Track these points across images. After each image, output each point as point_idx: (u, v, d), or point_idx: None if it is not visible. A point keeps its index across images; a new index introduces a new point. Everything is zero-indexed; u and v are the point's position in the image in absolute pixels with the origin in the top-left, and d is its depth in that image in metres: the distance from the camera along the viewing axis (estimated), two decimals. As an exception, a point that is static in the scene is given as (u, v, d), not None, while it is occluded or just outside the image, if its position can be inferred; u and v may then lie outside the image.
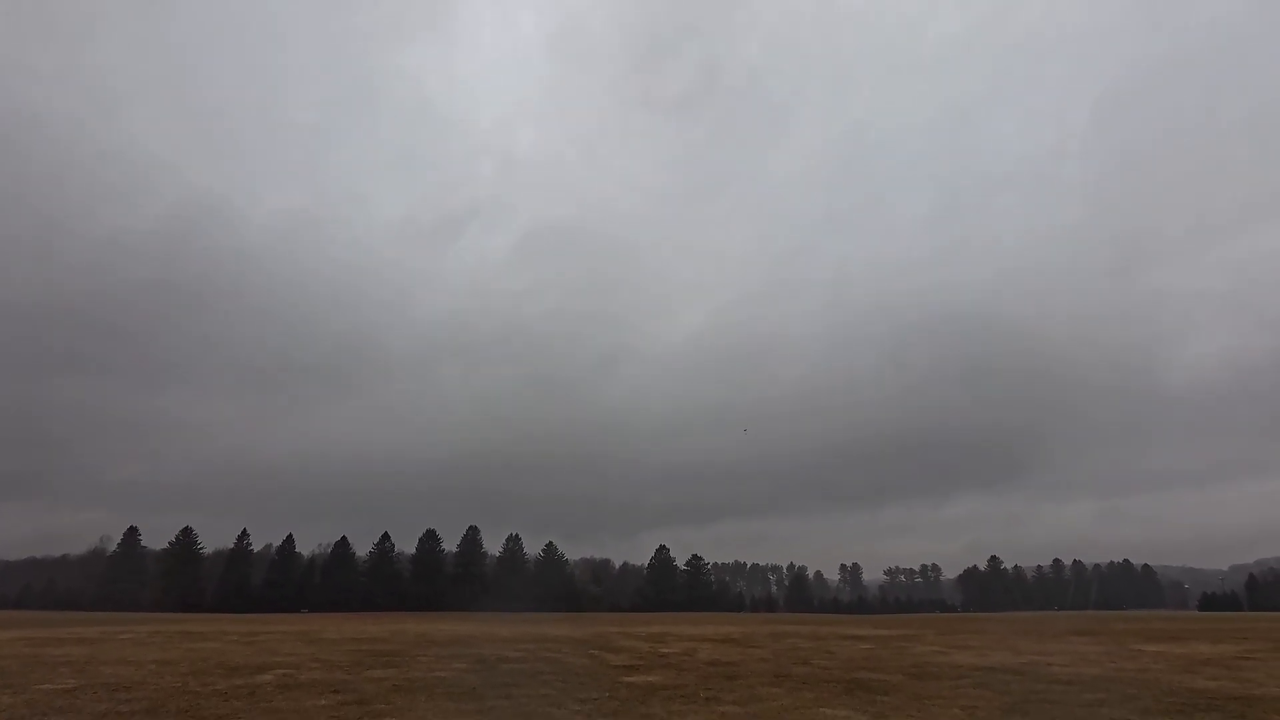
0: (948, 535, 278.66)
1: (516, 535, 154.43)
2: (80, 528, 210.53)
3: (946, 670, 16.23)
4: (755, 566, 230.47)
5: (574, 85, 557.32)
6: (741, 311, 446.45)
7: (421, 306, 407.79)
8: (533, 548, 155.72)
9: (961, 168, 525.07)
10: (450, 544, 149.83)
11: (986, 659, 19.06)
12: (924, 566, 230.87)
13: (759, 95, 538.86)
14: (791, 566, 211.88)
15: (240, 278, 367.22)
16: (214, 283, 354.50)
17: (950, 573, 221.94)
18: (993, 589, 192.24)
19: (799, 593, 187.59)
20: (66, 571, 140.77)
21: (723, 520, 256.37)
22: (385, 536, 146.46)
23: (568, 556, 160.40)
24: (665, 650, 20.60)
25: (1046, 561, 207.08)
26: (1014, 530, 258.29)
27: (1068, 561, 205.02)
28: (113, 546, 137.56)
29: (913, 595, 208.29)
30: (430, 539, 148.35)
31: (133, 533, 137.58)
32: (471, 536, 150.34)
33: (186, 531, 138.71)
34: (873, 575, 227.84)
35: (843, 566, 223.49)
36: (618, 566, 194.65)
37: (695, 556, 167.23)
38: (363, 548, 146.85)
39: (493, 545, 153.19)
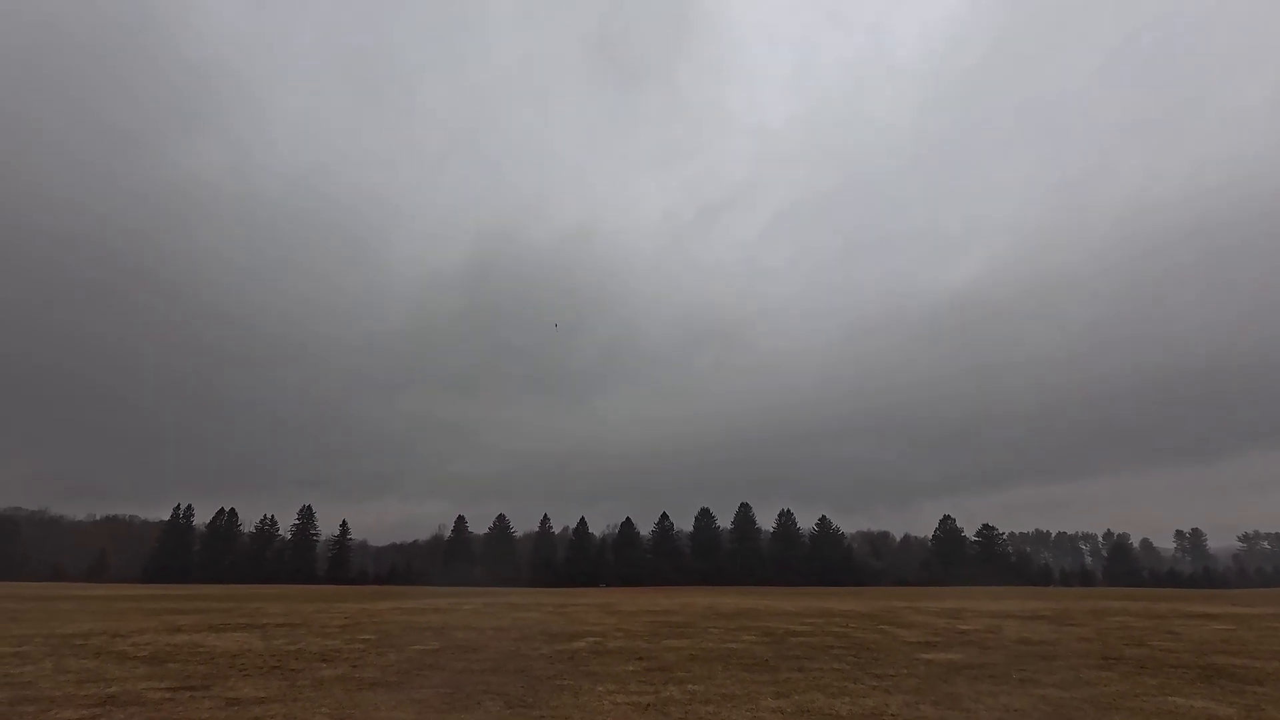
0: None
1: (788, 510, 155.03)
2: (426, 516, 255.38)
3: (1348, 658, 13.01)
4: (1062, 535, 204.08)
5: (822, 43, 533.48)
6: (1022, 251, 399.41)
7: (680, 294, 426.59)
8: (805, 522, 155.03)
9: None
10: (724, 521, 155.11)
11: None
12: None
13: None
14: (1109, 534, 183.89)
15: (525, 294, 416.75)
16: (507, 301, 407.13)
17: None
18: None
19: (1122, 564, 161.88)
20: (418, 554, 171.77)
21: (1015, 485, 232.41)
22: (664, 516, 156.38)
23: (843, 529, 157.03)
24: (964, 627, 19.19)
25: None
26: None
27: None
28: (448, 533, 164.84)
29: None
30: (705, 517, 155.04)
31: (461, 520, 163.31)
32: (744, 513, 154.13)
33: (501, 518, 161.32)
34: (1222, 542, 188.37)
35: (1179, 533, 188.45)
36: (898, 539, 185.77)
37: (987, 526, 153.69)
38: (645, 526, 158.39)
39: (765, 520, 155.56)
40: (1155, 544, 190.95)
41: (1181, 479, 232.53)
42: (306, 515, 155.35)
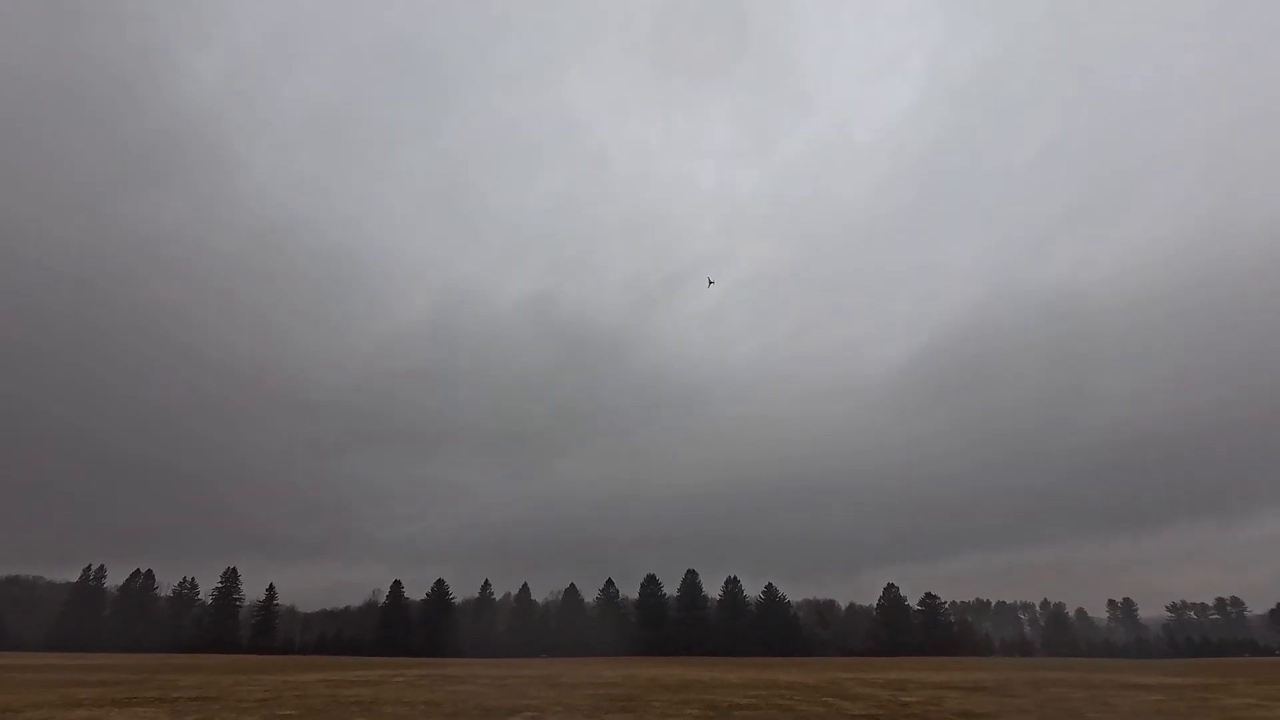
0: (1250, 560, 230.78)
1: (735, 578, 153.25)
2: (362, 581, 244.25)
3: (1270, 729, 13.39)
4: (1002, 605, 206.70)
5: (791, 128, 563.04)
6: (962, 328, 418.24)
7: (639, 360, 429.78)
8: (752, 589, 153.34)
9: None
10: (671, 588, 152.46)
11: (1327, 716, 15.44)
12: (1220, 600, 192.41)
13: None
14: (1046, 604, 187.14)
15: (484, 354, 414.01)
16: (466, 361, 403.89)
17: (1258, 607, 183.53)
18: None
19: (1059, 633, 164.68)
20: (350, 621, 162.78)
21: (958, 554, 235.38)
22: (610, 583, 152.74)
23: (789, 598, 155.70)
24: (907, 699, 19.12)
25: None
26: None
27: None
28: (383, 599, 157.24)
29: (1209, 636, 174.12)
30: (651, 584, 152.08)
31: (397, 586, 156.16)
32: (691, 580, 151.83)
33: (439, 583, 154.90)
34: (1152, 612, 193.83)
35: (1111, 602, 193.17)
36: (843, 607, 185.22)
37: (930, 595, 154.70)
38: (590, 593, 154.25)
39: (712, 588, 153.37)
40: (1090, 613, 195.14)
41: (1114, 550, 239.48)
42: (230, 578, 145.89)
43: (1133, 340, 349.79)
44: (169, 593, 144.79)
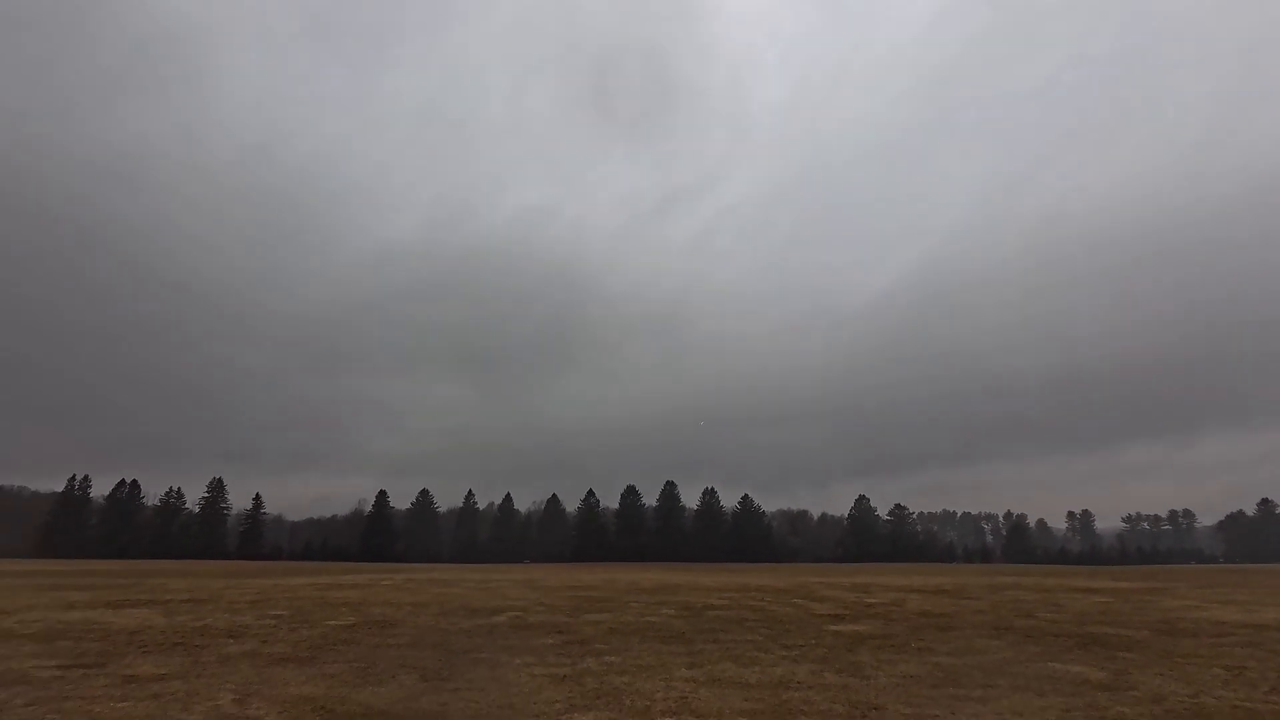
0: (1200, 477, 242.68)
1: (712, 489, 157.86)
2: (347, 492, 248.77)
3: (1205, 627, 14.37)
4: (966, 515, 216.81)
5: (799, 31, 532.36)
6: (946, 252, 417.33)
7: (628, 276, 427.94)
8: (729, 500, 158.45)
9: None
10: (650, 499, 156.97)
11: (1256, 616, 16.58)
12: (1172, 513, 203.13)
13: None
14: (1009, 515, 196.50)
15: (472, 273, 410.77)
16: (454, 279, 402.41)
17: (1207, 520, 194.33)
18: (1265, 538, 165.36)
19: (1019, 543, 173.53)
20: (337, 529, 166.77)
21: (926, 469, 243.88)
22: (590, 493, 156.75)
23: (764, 508, 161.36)
24: (871, 600, 20.20)
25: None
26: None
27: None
28: (368, 508, 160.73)
29: (1158, 545, 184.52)
30: (631, 494, 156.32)
31: (382, 495, 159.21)
32: (669, 491, 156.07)
33: (424, 493, 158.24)
34: (1108, 523, 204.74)
35: (1070, 514, 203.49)
36: (815, 518, 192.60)
37: (899, 506, 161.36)
38: (571, 504, 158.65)
39: (690, 499, 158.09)
40: (1049, 524, 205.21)
41: (1074, 467, 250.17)
42: (217, 488, 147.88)
43: (1107, 274, 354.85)
44: (155, 502, 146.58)
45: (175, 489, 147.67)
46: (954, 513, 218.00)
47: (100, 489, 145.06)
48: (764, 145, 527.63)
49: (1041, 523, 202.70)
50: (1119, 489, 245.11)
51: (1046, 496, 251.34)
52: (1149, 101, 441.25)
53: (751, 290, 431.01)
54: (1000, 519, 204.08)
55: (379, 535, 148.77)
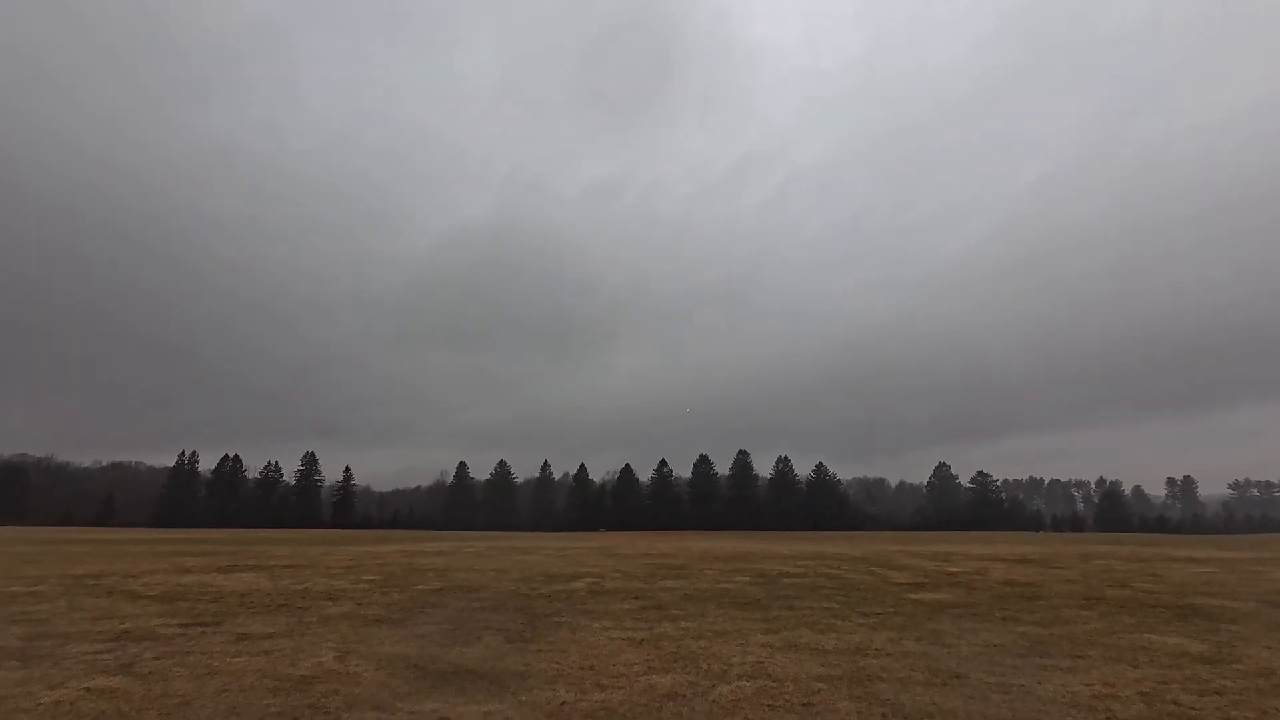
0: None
1: (785, 457, 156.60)
2: (429, 464, 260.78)
3: (1322, 598, 13.43)
4: (1055, 483, 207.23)
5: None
6: (1033, 207, 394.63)
7: (698, 244, 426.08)
8: (802, 469, 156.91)
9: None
10: (722, 468, 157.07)
11: (1385, 587, 15.36)
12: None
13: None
14: (1102, 481, 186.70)
15: (545, 247, 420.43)
16: (526, 254, 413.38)
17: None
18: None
19: (1113, 510, 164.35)
20: (420, 499, 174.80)
21: (1011, 435, 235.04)
22: (663, 463, 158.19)
23: (839, 476, 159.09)
24: (952, 569, 19.73)
25: None
26: None
27: None
28: (449, 479, 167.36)
29: (1270, 513, 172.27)
30: (703, 464, 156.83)
31: (463, 466, 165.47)
32: (742, 460, 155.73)
33: (502, 463, 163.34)
34: (1213, 490, 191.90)
35: (1170, 480, 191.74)
36: (893, 485, 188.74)
37: (981, 473, 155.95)
38: (644, 474, 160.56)
39: (763, 468, 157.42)
40: (1147, 491, 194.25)
41: (1175, 430, 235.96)
42: (310, 462, 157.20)
43: (1212, 217, 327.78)
44: (256, 475, 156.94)
45: (273, 463, 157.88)
46: (1041, 480, 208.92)
47: (207, 463, 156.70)
48: (838, 104, 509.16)
49: (1138, 489, 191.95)
50: (1226, 453, 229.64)
51: (1144, 462, 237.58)
52: (1256, 37, 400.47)
53: (826, 254, 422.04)
54: (1092, 486, 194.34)
55: (460, 505, 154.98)
